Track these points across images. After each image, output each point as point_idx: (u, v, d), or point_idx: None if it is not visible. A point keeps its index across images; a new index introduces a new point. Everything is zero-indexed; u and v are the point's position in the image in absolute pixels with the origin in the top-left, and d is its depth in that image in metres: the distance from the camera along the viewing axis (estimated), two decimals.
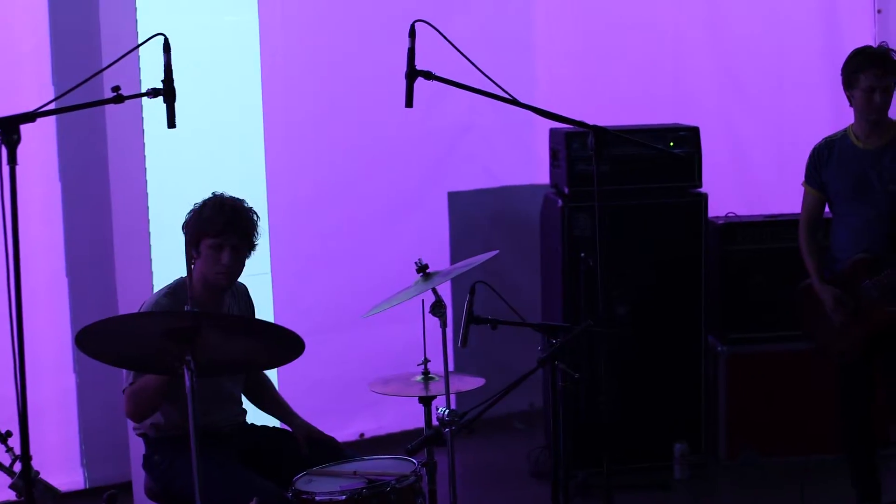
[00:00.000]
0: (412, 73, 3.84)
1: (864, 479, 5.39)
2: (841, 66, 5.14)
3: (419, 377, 4.46)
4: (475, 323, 4.36)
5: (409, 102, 3.86)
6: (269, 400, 4.78)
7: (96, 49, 5.57)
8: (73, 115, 4.89)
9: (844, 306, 5.09)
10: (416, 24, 3.81)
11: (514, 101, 3.92)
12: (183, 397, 3.53)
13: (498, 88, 3.89)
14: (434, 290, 4.23)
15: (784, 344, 6.20)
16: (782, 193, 6.81)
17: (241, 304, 4.63)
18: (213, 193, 4.44)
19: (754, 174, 7.53)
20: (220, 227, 4.33)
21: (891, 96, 4.98)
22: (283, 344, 3.66)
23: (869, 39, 7.53)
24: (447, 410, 3.88)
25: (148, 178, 5.59)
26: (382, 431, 6.73)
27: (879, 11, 8.03)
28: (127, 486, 5.73)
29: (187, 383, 3.48)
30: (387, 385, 4.48)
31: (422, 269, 4.27)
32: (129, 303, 5.55)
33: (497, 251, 4.42)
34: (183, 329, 3.49)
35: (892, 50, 5.01)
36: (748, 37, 7.66)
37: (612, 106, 6.83)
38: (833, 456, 5.69)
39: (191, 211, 4.41)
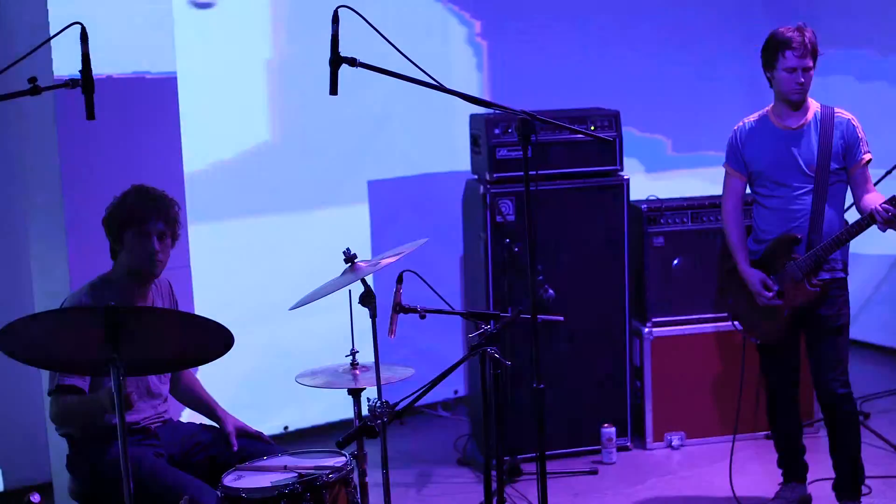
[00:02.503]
0: (336, 60, 3.77)
1: (790, 459, 5.44)
2: (754, 48, 5.18)
3: (347, 368, 4.40)
4: (403, 312, 4.32)
5: (333, 90, 3.80)
6: (195, 396, 4.71)
7: (7, 39, 5.44)
8: None
9: (769, 288, 5.12)
10: (338, 10, 3.75)
11: (440, 87, 3.88)
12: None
13: (422, 74, 3.84)
14: (363, 280, 4.18)
15: (708, 325, 6.24)
16: (701, 176, 6.86)
17: (166, 299, 4.55)
18: (132, 185, 4.37)
19: (674, 156, 7.60)
20: (146, 215, 4.28)
21: (811, 77, 5.02)
22: (213, 338, 3.57)
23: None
24: (379, 402, 3.83)
25: (62, 171, 5.43)
26: (307, 423, 6.67)
27: None
28: (48, 487, 5.61)
29: (114, 382, 3.39)
30: (315, 377, 4.41)
31: (350, 259, 4.20)
32: (46, 299, 5.43)
33: (426, 239, 4.38)
34: (109, 326, 3.39)
35: (811, 30, 5.04)
36: (664, 19, 7.71)
37: (530, 91, 6.83)
38: (760, 436, 5.73)
39: (112, 203, 4.33)
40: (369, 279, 4.25)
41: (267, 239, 6.53)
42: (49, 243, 5.51)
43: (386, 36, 3.81)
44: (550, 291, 5.78)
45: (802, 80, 4.98)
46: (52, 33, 3.71)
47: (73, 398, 4.19)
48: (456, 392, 6.93)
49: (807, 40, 4.98)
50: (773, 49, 5.03)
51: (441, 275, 6.34)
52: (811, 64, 4.99)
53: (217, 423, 4.61)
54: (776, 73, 5.02)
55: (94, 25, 3.69)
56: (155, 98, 5.67)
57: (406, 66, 3.82)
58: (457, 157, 6.87)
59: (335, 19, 3.75)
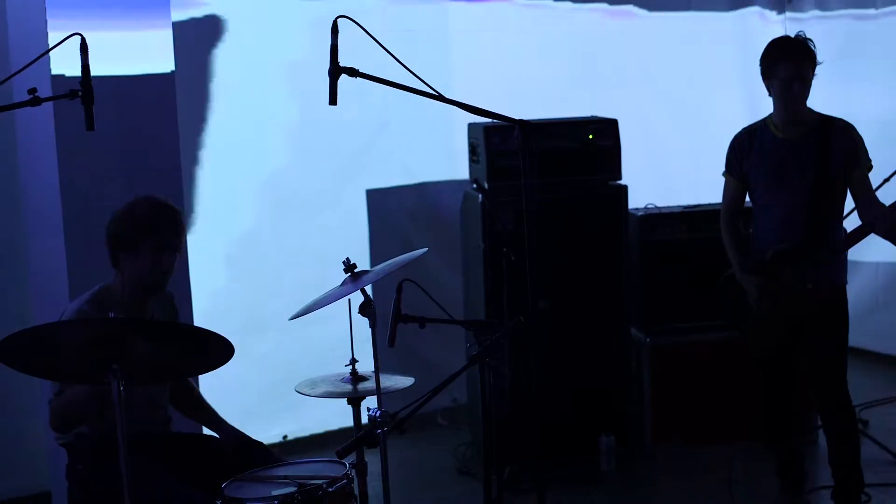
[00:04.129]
0: (336, 70, 3.77)
1: (789, 468, 5.44)
2: (750, 56, 5.18)
3: (347, 378, 4.39)
4: (403, 322, 4.31)
5: (332, 100, 3.79)
6: (195, 405, 4.69)
7: (4, 49, 5.43)
8: None
9: (767, 296, 5.12)
10: (338, 20, 3.75)
11: (439, 97, 3.87)
12: (108, 406, 3.44)
13: (421, 84, 3.84)
14: (363, 290, 4.16)
15: (706, 334, 6.23)
16: (699, 184, 6.87)
17: (166, 310, 4.53)
18: (138, 195, 4.35)
19: (671, 165, 7.59)
20: (159, 228, 4.25)
21: (809, 86, 5.00)
22: (213, 349, 3.57)
23: (779, 31, 7.63)
24: (380, 411, 3.83)
25: (60, 181, 5.41)
26: (305, 432, 6.66)
27: (790, 1, 8.14)
28: (45, 497, 5.60)
29: (115, 393, 3.38)
30: (314, 386, 4.40)
31: (350, 268, 4.19)
32: (43, 310, 5.41)
33: (426, 248, 4.38)
34: (109, 337, 3.39)
35: (809, 39, 5.03)
36: (661, 28, 7.72)
37: (527, 99, 6.83)
38: (758, 444, 5.73)
39: (119, 213, 4.30)
40: (368, 289, 4.24)
41: (266, 247, 6.53)
42: (47, 251, 5.50)
43: (385, 46, 3.80)
44: (545, 300, 5.77)
45: (800, 89, 4.97)
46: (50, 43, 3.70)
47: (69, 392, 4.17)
48: (455, 400, 6.91)
49: (804, 50, 4.97)
50: (771, 58, 5.02)
51: (441, 284, 6.34)
52: (809, 74, 4.98)
53: (216, 432, 4.59)
54: (774, 83, 5.01)
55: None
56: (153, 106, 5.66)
57: (405, 74, 3.81)
58: (455, 165, 6.88)
59: (335, 30, 3.75)
